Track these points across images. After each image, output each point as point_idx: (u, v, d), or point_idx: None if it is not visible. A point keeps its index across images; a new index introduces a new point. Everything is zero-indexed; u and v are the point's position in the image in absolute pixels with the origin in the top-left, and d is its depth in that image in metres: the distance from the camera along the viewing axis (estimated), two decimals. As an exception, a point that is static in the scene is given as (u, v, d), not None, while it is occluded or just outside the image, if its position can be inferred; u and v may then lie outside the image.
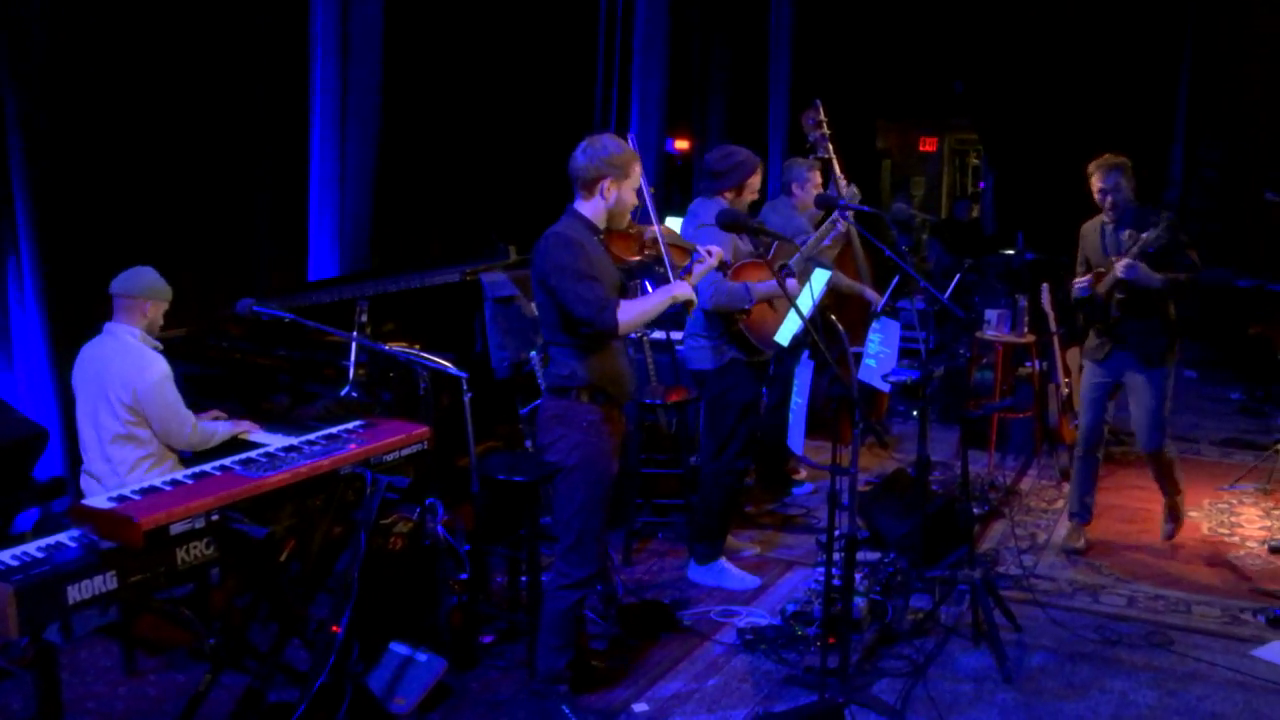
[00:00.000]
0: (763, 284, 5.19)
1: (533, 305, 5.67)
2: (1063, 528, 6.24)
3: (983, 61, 13.78)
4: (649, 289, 4.72)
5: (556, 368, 4.07)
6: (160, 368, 4.57)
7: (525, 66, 8.15)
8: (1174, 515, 6.11)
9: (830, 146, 6.30)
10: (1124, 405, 5.90)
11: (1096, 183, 5.62)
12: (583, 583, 4.10)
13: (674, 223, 5.63)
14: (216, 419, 4.88)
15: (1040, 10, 12.93)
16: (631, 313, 3.96)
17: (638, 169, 4.06)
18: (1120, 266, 5.38)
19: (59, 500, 4.87)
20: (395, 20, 6.76)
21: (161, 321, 4.75)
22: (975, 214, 16.02)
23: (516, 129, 8.13)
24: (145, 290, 4.63)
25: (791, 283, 5.08)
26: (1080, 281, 5.67)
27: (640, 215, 4.19)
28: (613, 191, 4.00)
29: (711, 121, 10.79)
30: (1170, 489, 6.04)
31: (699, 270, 4.29)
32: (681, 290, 4.06)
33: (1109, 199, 5.60)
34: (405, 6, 6.93)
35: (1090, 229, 5.82)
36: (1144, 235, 5.35)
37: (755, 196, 5.43)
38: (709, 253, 4.34)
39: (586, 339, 3.99)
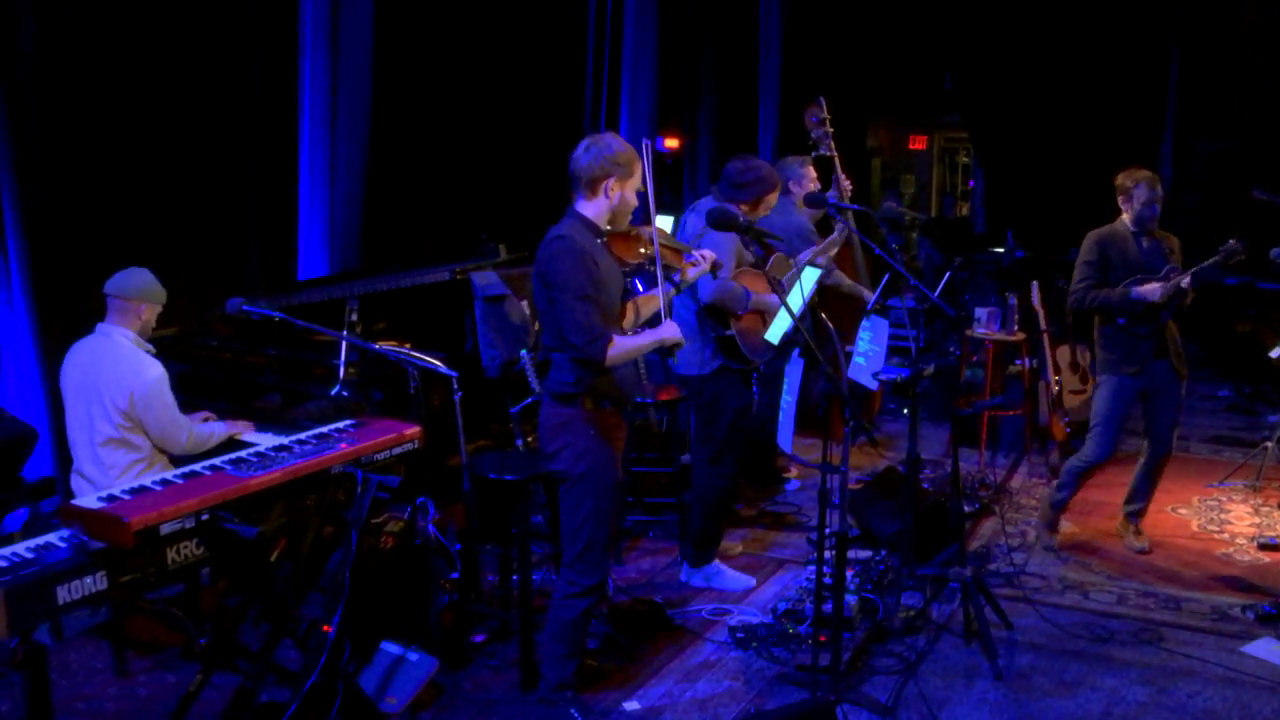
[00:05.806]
0: (760, 295, 5.18)
1: (523, 305, 5.68)
2: (1061, 524, 6.23)
3: (972, 59, 13.80)
4: (640, 288, 4.70)
5: (561, 374, 4.01)
6: (157, 372, 4.51)
7: (515, 64, 8.14)
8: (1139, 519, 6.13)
9: (832, 144, 6.29)
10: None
11: (1149, 191, 5.56)
12: (590, 590, 4.06)
13: (664, 221, 5.62)
14: (207, 420, 4.85)
15: (1029, 8, 12.95)
16: (620, 349, 3.90)
17: (639, 168, 4.03)
18: (1186, 279, 5.39)
19: (48, 500, 4.85)
20: (385, 18, 6.74)
21: (155, 324, 4.71)
22: (963, 211, 16.04)
23: (507, 127, 8.12)
24: (140, 292, 4.57)
25: None
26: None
27: (639, 214, 4.17)
28: (616, 191, 3.97)
29: (701, 120, 10.77)
30: (1152, 493, 6.03)
31: (692, 274, 4.28)
32: (670, 334, 4.01)
33: (1159, 209, 5.58)
34: (395, 4, 6.91)
35: (1119, 238, 5.65)
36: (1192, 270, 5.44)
37: (769, 213, 5.39)
38: (703, 257, 4.32)
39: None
